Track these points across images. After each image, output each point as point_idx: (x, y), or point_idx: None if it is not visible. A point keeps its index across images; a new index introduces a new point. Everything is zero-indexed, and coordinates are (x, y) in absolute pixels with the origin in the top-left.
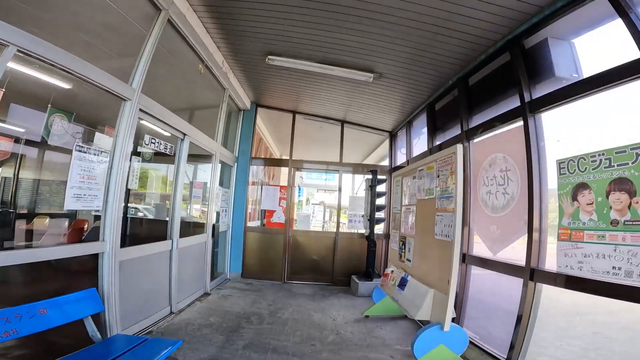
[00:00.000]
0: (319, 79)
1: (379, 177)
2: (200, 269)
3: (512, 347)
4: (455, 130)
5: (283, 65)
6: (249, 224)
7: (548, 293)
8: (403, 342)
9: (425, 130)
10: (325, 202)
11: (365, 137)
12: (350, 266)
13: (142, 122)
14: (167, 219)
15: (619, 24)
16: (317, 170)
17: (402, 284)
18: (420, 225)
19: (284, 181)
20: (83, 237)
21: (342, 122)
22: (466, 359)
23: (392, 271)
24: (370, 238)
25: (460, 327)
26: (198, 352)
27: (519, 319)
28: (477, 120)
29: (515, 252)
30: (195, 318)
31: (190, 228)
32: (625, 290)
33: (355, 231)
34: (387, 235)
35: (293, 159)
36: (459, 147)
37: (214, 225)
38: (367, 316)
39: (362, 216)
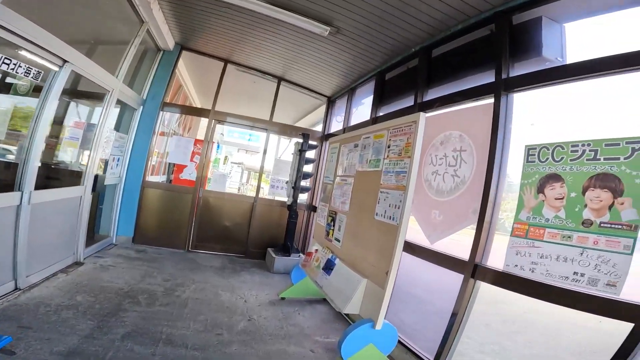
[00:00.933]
0: (266, 24)
1: (310, 142)
2: (70, 232)
3: (442, 347)
4: (406, 102)
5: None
6: (150, 178)
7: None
8: (324, 332)
9: (367, 100)
10: (245, 163)
11: (300, 99)
12: (267, 237)
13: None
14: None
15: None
16: (242, 127)
17: (328, 267)
18: (357, 202)
19: (201, 135)
20: None
21: (280, 80)
22: (392, 359)
23: (317, 250)
24: (292, 208)
25: (391, 325)
26: (50, 344)
27: (453, 317)
28: (434, 94)
29: (450, 245)
30: (54, 296)
31: (60, 177)
32: (586, 300)
33: (276, 198)
34: (311, 207)
35: (216, 110)
36: (422, 116)
37: (96, 176)
38: (283, 298)
39: (286, 182)
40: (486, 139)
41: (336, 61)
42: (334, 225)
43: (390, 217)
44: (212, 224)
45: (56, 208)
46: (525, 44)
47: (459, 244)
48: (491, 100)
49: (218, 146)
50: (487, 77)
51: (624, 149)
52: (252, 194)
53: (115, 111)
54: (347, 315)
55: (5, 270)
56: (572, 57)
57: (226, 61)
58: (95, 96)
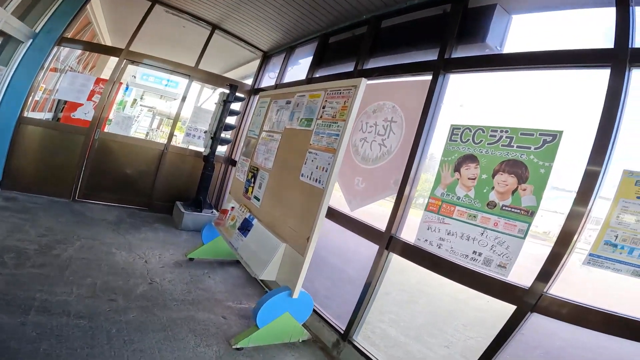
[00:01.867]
0: None
1: (237, 94)
2: None
3: (354, 316)
4: (346, 68)
5: None
6: (31, 114)
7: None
8: (236, 298)
9: (305, 61)
10: (158, 108)
11: (231, 50)
12: (176, 189)
13: None
14: None
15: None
16: (161, 70)
17: (245, 228)
18: (282, 160)
19: (106, 75)
20: None
21: (215, 28)
22: (306, 327)
23: (233, 208)
24: (209, 159)
25: (307, 294)
26: None
27: (366, 287)
28: (375, 64)
29: (364, 215)
30: None
31: None
32: (478, 279)
33: (190, 147)
34: (230, 160)
35: (130, 50)
36: (363, 82)
37: None
38: (191, 259)
39: (205, 132)
40: (417, 113)
41: (281, 16)
42: (254, 183)
43: (316, 179)
44: (109, 170)
45: None
46: (473, 29)
47: (369, 214)
48: (428, 77)
49: (127, 88)
50: (429, 55)
51: (537, 139)
52: (163, 140)
53: None
54: (261, 279)
55: None
56: (510, 48)
57: (155, 1)
58: None
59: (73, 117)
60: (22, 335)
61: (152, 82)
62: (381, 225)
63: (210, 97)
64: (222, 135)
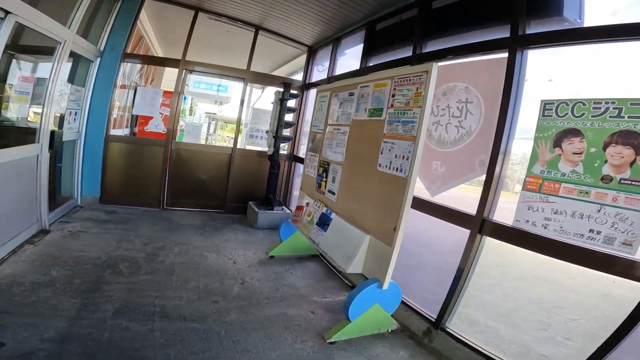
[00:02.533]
0: None
1: (291, 91)
2: (29, 196)
3: (446, 304)
4: (401, 54)
5: None
6: (113, 132)
7: None
8: (319, 292)
9: (353, 51)
10: (218, 114)
11: (276, 49)
12: (246, 190)
13: None
14: None
15: None
16: (215, 76)
17: (324, 222)
18: (354, 152)
19: (165, 87)
20: None
21: (257, 29)
22: (393, 317)
23: (308, 204)
24: (274, 158)
25: (396, 284)
26: (37, 330)
27: (458, 274)
28: (433, 47)
29: (448, 199)
30: (25, 272)
31: (10, 136)
32: (601, 259)
33: (252, 148)
34: (292, 157)
35: (186, 59)
36: (435, 66)
37: (53, 132)
38: (272, 256)
39: (267, 132)
40: (496, 92)
41: (322, 8)
42: (326, 177)
43: (397, 168)
44: (188, 178)
45: (11, 171)
46: (545, 3)
47: (454, 199)
48: (502, 55)
49: (185, 97)
50: (496, 33)
51: None
52: (221, 144)
53: (68, 64)
54: (339, 271)
55: None
56: (590, 20)
57: (197, 9)
58: (45, 50)
59: (146, 130)
60: (153, 343)
61: (204, 88)
62: (466, 208)
63: (260, 97)
64: (284, 133)
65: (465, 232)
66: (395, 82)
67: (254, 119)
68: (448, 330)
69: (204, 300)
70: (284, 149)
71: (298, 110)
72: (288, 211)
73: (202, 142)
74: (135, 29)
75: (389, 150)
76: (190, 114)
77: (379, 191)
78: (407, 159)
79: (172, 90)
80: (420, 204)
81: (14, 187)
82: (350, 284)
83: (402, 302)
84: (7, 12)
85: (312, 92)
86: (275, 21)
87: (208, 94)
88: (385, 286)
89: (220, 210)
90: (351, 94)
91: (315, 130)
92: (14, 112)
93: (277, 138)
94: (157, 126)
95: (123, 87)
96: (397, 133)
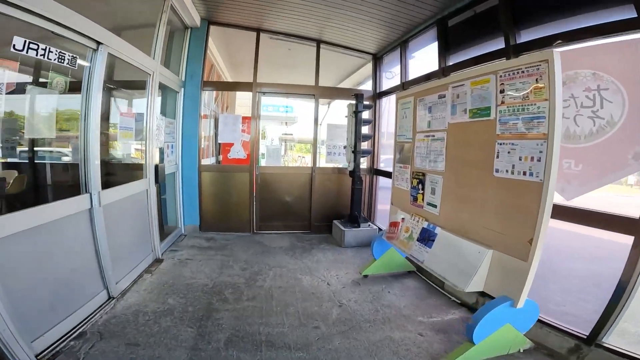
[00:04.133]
0: None
1: (364, 102)
2: (144, 228)
3: (604, 318)
4: (485, 48)
5: None
6: (203, 161)
7: None
8: (424, 311)
9: (424, 52)
10: (282, 134)
11: (338, 61)
12: (329, 208)
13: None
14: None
15: None
16: (287, 95)
17: (427, 238)
18: (456, 158)
19: (240, 112)
20: None
21: (318, 42)
22: (528, 337)
23: (403, 219)
24: (355, 173)
25: (533, 302)
26: None
27: (620, 286)
28: (530, 34)
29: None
30: (147, 301)
31: (122, 173)
32: None
33: (334, 165)
34: (373, 170)
35: (258, 81)
36: (556, 54)
37: (156, 167)
38: (365, 275)
39: (345, 147)
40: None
41: (380, 12)
42: (422, 189)
43: (524, 172)
44: (273, 201)
45: (126, 205)
46: None
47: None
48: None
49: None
50: (617, 14)
51: None
52: (294, 164)
53: (159, 97)
54: (442, 287)
55: (94, 280)
56: None
57: (258, 30)
58: (135, 85)
59: (229, 157)
60: None
61: (272, 111)
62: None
63: (327, 113)
64: (362, 146)
65: (604, 239)
66: (501, 76)
67: (329, 136)
68: (606, 345)
69: (306, 326)
70: (363, 162)
71: (374, 122)
72: (375, 227)
73: (281, 164)
74: (206, 56)
75: (508, 152)
76: (263, 138)
77: (499, 200)
78: (540, 160)
79: (246, 114)
80: (557, 210)
81: (131, 221)
82: (458, 301)
83: (540, 320)
84: (98, 43)
85: (384, 101)
86: (334, 32)
87: (277, 116)
88: (520, 304)
89: (306, 230)
90: (442, 96)
91: (402, 139)
92: (119, 149)
93: (357, 152)
94: (238, 152)
95: (205, 117)
96: (517, 132)
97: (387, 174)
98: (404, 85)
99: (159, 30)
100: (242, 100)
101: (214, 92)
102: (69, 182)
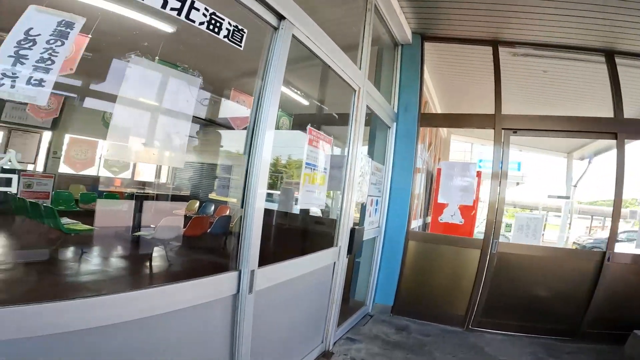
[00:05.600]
0: None
1: None
2: (319, 314)
3: None
4: None
5: None
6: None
7: None
8: None
9: None
10: (566, 197)
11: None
12: (624, 309)
13: None
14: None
15: None
16: (558, 134)
17: None
18: None
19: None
20: None
21: (608, 54)
22: None
23: None
24: None
25: None
26: None
27: None
28: None
29: None
30: None
31: (297, 236)
32: None
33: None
34: None
35: (503, 113)
36: None
37: (352, 231)
38: None
39: None
40: None
41: None
42: None
43: None
44: (511, 291)
45: (296, 287)
46: None
47: None
48: None
49: (519, 165)
50: None
51: None
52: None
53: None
54: None
55: None
56: None
57: (494, 42)
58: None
59: (440, 221)
60: None
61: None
62: None
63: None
64: None
65: None
66: None
67: None
68: None
69: None
70: None
71: None
72: None
73: (540, 243)
74: (423, 82)
75: None
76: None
77: None
78: None
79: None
80: None
81: (305, 305)
82: None
83: None
84: (280, 18)
85: None
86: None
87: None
88: None
89: (566, 337)
90: None
91: None
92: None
93: None
94: (452, 216)
95: (418, 170)
96: None
97: None
98: None
99: (364, 33)
100: (455, 154)
101: (427, 138)
102: None
